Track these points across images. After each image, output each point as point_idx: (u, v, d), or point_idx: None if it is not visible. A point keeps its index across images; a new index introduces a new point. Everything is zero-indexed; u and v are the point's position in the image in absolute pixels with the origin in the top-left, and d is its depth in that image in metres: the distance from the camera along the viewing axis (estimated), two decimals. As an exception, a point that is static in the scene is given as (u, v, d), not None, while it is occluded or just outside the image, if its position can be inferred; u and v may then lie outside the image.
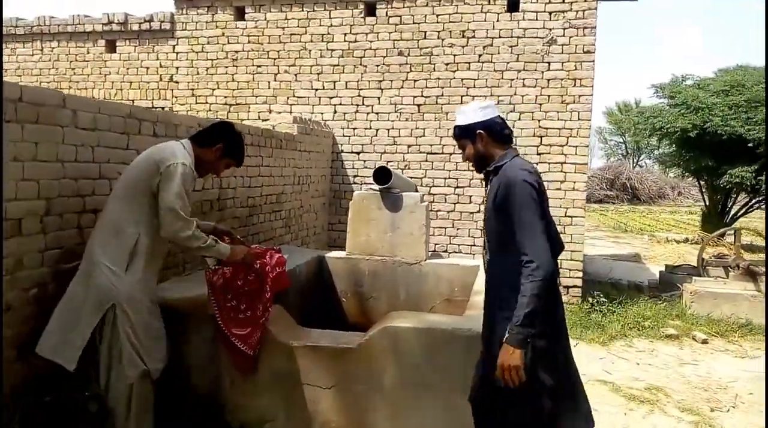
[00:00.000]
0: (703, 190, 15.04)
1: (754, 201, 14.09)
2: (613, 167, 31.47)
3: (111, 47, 7.61)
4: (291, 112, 6.81)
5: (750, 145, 11.92)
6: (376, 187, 4.54)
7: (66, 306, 2.61)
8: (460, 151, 2.57)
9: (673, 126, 13.07)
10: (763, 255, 9.26)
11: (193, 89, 7.25)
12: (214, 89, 7.17)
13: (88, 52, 7.64)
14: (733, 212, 14.21)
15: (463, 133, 2.49)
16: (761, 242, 12.15)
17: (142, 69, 7.46)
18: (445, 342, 2.88)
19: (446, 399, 2.86)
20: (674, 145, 14.48)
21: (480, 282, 4.01)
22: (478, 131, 2.43)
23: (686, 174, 15.90)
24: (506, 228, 2.32)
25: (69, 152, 2.87)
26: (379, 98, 6.80)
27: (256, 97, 7.02)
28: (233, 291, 2.94)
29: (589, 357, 5.21)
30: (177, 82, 7.31)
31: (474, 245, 6.61)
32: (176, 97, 7.28)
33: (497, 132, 2.45)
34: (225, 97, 7.08)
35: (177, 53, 7.32)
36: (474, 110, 2.49)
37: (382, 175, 4.49)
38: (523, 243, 2.23)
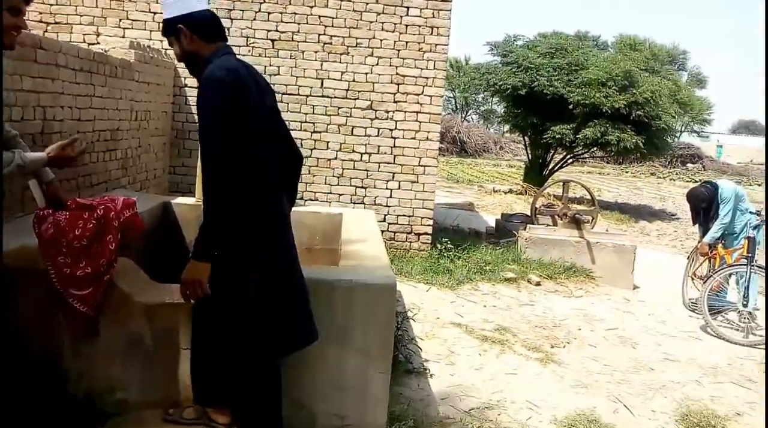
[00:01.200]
0: (527, 145, 16.38)
1: (569, 156, 15.68)
2: (444, 121, 33.04)
3: None
4: (124, 37, 5.94)
5: (570, 105, 13.13)
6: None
7: None
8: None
9: (505, 83, 13.93)
10: (584, 206, 10.31)
11: (-5, -1, 5.98)
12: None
13: None
14: (551, 166, 15.70)
15: (167, 29, 2.25)
16: (579, 192, 13.60)
17: None
18: (324, 294, 2.71)
19: (322, 350, 2.72)
20: (505, 102, 15.49)
21: (348, 231, 3.88)
22: (179, 26, 2.20)
23: (514, 129, 17.15)
24: (204, 132, 2.10)
25: None
26: (228, 29, 6.19)
27: (81, 15, 6.00)
28: (68, 243, 2.44)
29: (441, 301, 5.41)
30: (-28, -11, 5.98)
31: (330, 193, 6.45)
32: (-28, 7, 5.96)
33: (202, 26, 2.22)
34: (40, 12, 5.94)
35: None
36: (175, 1, 2.22)
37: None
38: (204, 149, 2.06)
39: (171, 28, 2.22)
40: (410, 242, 6.65)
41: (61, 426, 2.46)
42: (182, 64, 2.38)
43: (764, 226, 5.53)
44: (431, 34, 6.39)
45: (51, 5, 5.95)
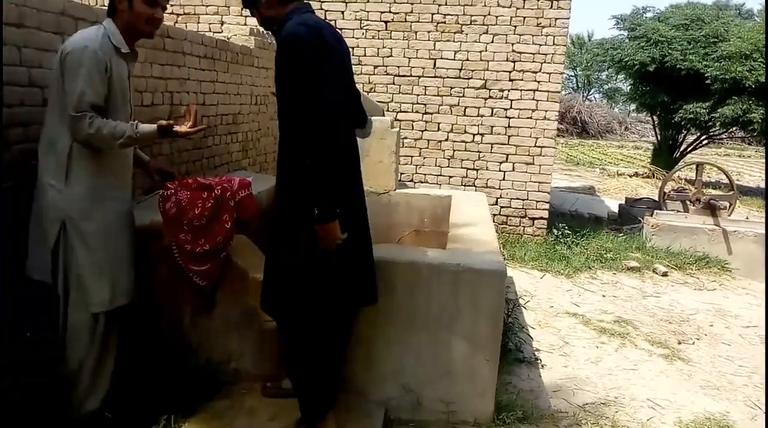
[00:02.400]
0: (656, 125, 15.22)
1: (704, 137, 14.37)
2: (564, 100, 31.57)
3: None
4: (245, 24, 6.20)
5: (707, 81, 11.98)
6: (344, 109, 4.16)
7: (32, 227, 2.32)
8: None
9: (633, 59, 12.99)
10: (721, 191, 9.45)
11: (133, -6, 6.47)
12: (158, -5, 6.44)
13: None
14: (682, 148, 14.48)
15: (246, 1, 2.34)
16: (717, 176, 12.47)
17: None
18: (431, 277, 2.66)
19: (430, 335, 2.68)
20: (632, 79, 14.46)
21: (457, 214, 3.79)
22: None
23: (641, 108, 16.00)
24: (288, 92, 2.13)
25: (-11, 51, 2.37)
26: (343, 12, 6.26)
27: (207, 6, 6.34)
28: (188, 221, 2.58)
29: (556, 289, 5.17)
30: (115, -14, 6.51)
31: (440, 175, 6.37)
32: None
33: None
34: (171, 5, 6.33)
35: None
36: None
37: (351, 95, 4.10)
38: (301, 103, 2.08)
39: None
40: (524, 227, 6.41)
41: (183, 393, 2.62)
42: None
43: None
44: (551, 7, 6.05)
45: (181, -3, 6.34)
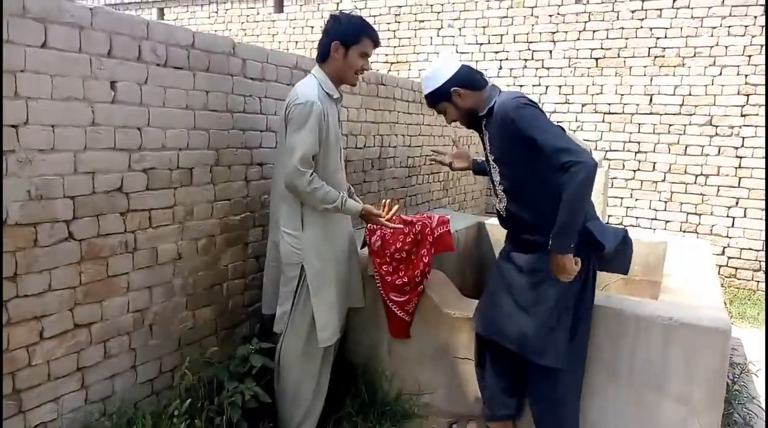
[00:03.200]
0: None
1: None
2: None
3: (279, 7, 7.76)
4: (453, 69, 6.46)
5: None
6: (548, 148, 4.07)
7: (268, 266, 2.66)
8: (443, 116, 2.47)
9: None
10: None
11: (355, 47, 7.16)
12: (375, 47, 7.04)
13: (258, 13, 7.86)
14: None
15: (438, 98, 2.37)
16: None
17: (307, 28, 7.52)
18: (638, 328, 2.44)
19: (634, 391, 2.46)
20: None
21: (673, 262, 3.45)
22: (453, 89, 2.31)
23: None
24: (529, 155, 2.18)
25: (238, 102, 2.80)
26: (551, 52, 6.19)
27: (418, 53, 6.76)
28: (390, 254, 2.74)
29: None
30: (340, 41, 7.27)
31: (655, 219, 5.86)
32: (339, 56, 7.25)
33: (470, 81, 2.33)
34: (386, 54, 6.90)
35: (340, 11, 7.25)
36: (439, 70, 2.36)
37: (556, 134, 4.00)
38: (555, 149, 2.09)
39: (443, 95, 2.34)
40: (758, 281, 5.57)
41: (377, 417, 2.74)
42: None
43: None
44: (796, 32, 5.31)
45: (394, 47, 6.85)
